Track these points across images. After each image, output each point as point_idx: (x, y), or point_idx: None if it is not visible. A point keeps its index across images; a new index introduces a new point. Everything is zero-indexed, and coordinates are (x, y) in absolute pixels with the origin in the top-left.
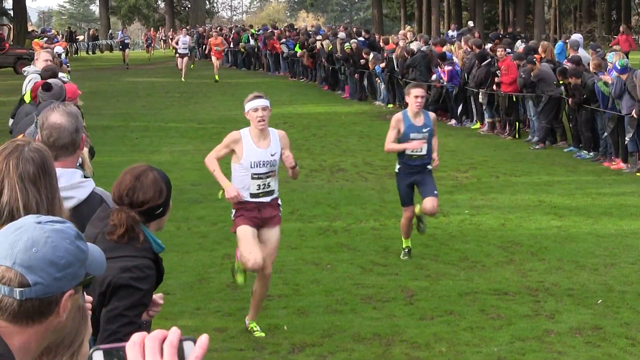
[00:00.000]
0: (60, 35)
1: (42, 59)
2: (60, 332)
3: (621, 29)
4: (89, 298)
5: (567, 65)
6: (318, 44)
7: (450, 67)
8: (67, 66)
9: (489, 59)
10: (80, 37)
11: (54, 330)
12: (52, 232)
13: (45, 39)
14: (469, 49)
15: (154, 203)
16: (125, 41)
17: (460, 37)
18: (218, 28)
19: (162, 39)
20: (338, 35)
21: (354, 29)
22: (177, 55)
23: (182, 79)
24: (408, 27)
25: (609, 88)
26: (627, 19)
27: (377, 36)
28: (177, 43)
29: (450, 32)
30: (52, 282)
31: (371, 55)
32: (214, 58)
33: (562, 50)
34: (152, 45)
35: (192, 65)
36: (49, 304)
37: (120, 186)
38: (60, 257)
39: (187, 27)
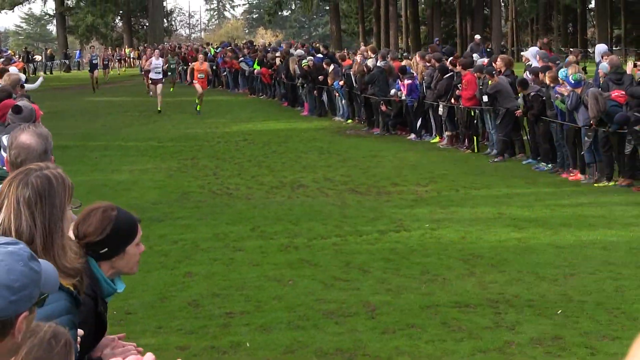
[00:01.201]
0: (17, 56)
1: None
2: (14, 353)
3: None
4: (80, 332)
5: (526, 76)
6: (277, 61)
7: (410, 81)
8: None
9: (451, 73)
10: (38, 57)
11: (8, 352)
12: (5, 254)
13: (2, 59)
14: (427, 63)
15: (92, 239)
16: (94, 61)
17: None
18: (198, 49)
19: (117, 58)
20: (295, 53)
21: (315, 44)
22: (150, 81)
23: (159, 109)
24: (371, 45)
25: (565, 104)
26: (583, 32)
27: (336, 53)
28: (149, 65)
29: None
30: (6, 305)
31: (331, 67)
32: (197, 86)
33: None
34: (110, 65)
35: (172, 89)
36: (3, 327)
37: (78, 217)
38: (15, 280)
39: (160, 47)
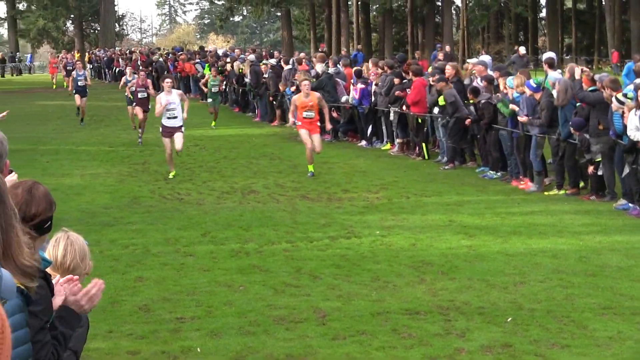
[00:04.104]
0: None
1: None
2: None
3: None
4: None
5: (477, 84)
6: (228, 66)
7: (363, 86)
8: None
9: (405, 80)
10: None
11: None
12: None
13: None
14: (379, 70)
15: (45, 216)
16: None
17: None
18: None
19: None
20: (247, 58)
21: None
22: (134, 104)
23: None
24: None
25: (508, 109)
26: (534, 40)
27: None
28: (135, 83)
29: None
30: None
31: (285, 71)
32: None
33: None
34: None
35: (213, 123)
36: None
37: (17, 200)
38: None
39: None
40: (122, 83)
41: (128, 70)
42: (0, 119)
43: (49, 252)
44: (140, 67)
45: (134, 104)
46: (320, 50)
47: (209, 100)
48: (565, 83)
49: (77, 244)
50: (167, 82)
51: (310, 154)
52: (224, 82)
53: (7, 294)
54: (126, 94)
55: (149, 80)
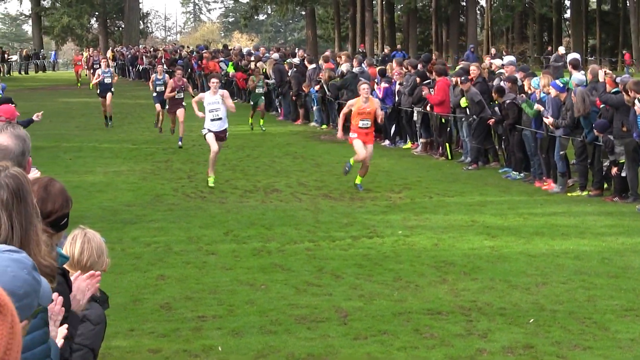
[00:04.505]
0: None
1: None
2: None
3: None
4: (59, 299)
5: (503, 84)
6: (252, 65)
7: (386, 85)
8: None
9: (429, 80)
10: (13, 57)
11: None
12: (11, 261)
13: None
14: (403, 69)
15: (61, 212)
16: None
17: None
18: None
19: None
20: (272, 56)
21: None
22: (166, 107)
23: (179, 144)
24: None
25: (534, 110)
26: (558, 41)
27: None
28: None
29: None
30: None
31: (309, 70)
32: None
33: None
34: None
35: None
36: None
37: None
38: (19, 287)
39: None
40: (152, 81)
41: (159, 68)
42: (36, 120)
43: (66, 249)
44: (176, 67)
45: (167, 107)
46: (359, 50)
47: (252, 102)
48: (581, 93)
49: (94, 242)
50: (213, 82)
51: (364, 167)
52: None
53: (45, 300)
54: (153, 93)
55: (185, 80)
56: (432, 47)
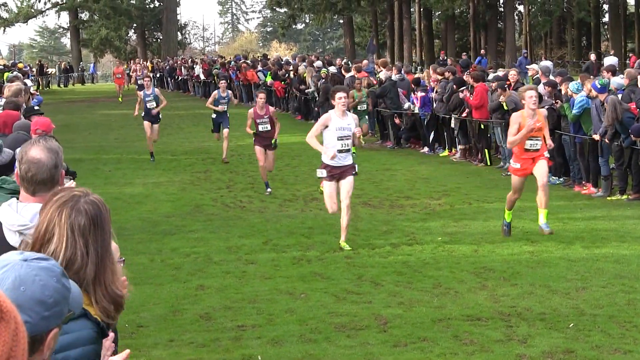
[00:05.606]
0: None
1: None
2: None
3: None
4: (111, 335)
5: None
6: (291, 74)
7: (423, 94)
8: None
9: (467, 86)
10: (52, 70)
11: None
12: (40, 270)
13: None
14: (438, 76)
15: None
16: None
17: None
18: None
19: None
20: (314, 64)
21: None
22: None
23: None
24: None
25: (574, 112)
26: (597, 45)
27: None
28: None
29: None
30: (39, 320)
31: (347, 79)
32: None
33: None
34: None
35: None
36: (33, 343)
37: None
38: (49, 296)
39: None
40: (211, 100)
41: (222, 84)
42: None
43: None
44: (220, 78)
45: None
46: (441, 58)
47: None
48: (612, 102)
49: None
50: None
51: (547, 199)
52: (286, 90)
53: (75, 306)
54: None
55: (229, 92)
56: (470, 53)
